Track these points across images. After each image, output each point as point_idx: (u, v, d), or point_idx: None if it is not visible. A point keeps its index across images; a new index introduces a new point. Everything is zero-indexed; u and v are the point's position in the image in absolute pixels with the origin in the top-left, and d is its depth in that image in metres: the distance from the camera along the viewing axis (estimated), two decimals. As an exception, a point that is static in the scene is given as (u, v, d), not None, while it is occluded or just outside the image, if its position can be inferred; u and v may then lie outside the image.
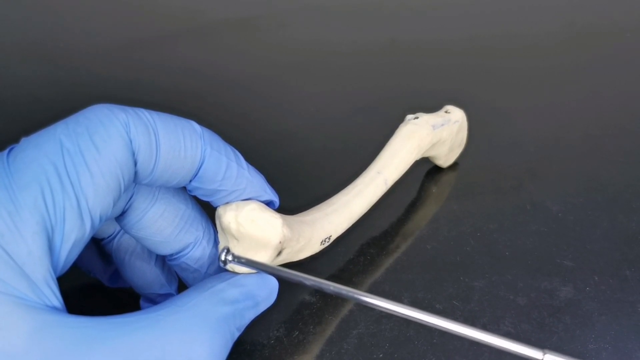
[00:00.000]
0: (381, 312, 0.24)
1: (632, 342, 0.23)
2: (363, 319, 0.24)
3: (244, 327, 0.19)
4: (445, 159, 0.30)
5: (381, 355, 0.23)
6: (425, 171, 0.31)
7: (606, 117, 0.35)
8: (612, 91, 0.37)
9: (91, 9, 0.46)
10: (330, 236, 0.23)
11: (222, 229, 0.20)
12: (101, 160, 0.16)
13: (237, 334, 0.19)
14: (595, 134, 0.34)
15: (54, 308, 0.15)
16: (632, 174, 0.31)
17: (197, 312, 0.17)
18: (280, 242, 0.20)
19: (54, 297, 0.16)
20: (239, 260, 0.20)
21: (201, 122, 0.19)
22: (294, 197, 0.26)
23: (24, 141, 0.17)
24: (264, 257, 0.20)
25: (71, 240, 0.16)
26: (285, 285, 0.25)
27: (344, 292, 0.19)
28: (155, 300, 0.23)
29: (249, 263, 0.19)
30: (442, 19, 0.45)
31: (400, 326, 0.24)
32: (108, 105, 0.17)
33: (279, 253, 0.20)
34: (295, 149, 0.32)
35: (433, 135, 0.28)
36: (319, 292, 0.25)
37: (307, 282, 0.19)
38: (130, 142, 0.17)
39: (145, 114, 0.18)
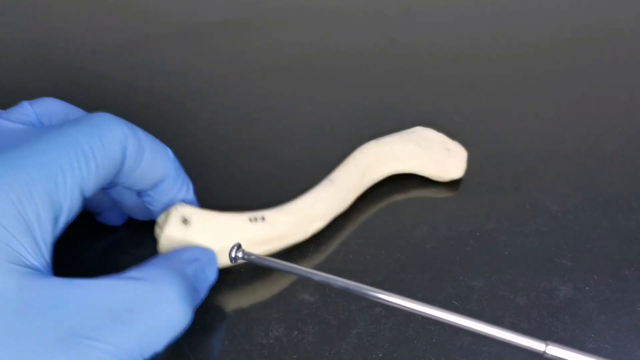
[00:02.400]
0: (381, 312, 0.24)
1: (631, 341, 0.23)
2: (362, 319, 0.24)
3: (203, 290, 0.22)
4: (435, 174, 0.30)
5: (381, 355, 0.23)
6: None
7: (606, 117, 0.35)
8: (612, 91, 0.37)
9: (91, 9, 0.46)
10: (263, 216, 0.25)
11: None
12: (105, 157, 0.21)
13: (198, 296, 0.22)
14: (595, 134, 0.34)
15: (45, 269, 0.18)
16: (632, 174, 0.31)
17: (167, 269, 0.20)
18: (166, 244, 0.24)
19: (48, 260, 0.19)
20: (248, 256, 0.22)
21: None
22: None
23: (44, 131, 0.20)
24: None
25: (70, 215, 0.20)
26: (285, 285, 0.25)
27: (351, 287, 0.20)
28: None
29: (258, 259, 0.21)
30: (440, 23, 0.45)
31: (400, 326, 0.24)
32: (115, 117, 0.22)
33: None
34: (298, 145, 0.32)
35: (378, 148, 0.29)
36: (318, 292, 0.25)
37: (315, 278, 0.21)
38: (125, 150, 0.21)
39: (140, 133, 0.22)
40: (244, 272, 0.26)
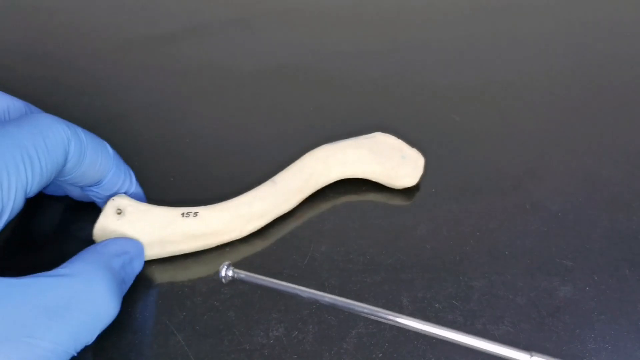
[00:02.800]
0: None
1: (631, 341, 0.23)
2: (362, 319, 0.24)
3: (130, 281, 0.24)
4: (386, 180, 0.29)
5: (381, 355, 0.23)
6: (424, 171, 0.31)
7: (606, 116, 0.35)
8: (612, 91, 0.37)
9: (91, 9, 0.46)
10: (197, 212, 0.26)
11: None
12: (48, 158, 0.21)
13: (125, 287, 0.23)
14: (595, 133, 0.34)
15: None
16: (632, 174, 0.31)
17: (96, 264, 0.21)
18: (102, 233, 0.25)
19: None
20: (238, 275, 0.22)
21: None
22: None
23: None
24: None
25: (11, 216, 0.20)
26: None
27: (339, 303, 0.21)
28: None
29: (248, 277, 0.22)
30: (439, 22, 0.45)
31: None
32: (56, 118, 0.22)
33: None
34: (294, 149, 0.32)
35: (328, 152, 0.29)
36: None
37: (304, 295, 0.21)
38: (68, 151, 0.22)
39: (81, 134, 0.23)
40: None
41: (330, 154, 0.29)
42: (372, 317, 0.20)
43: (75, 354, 0.19)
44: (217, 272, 0.22)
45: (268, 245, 0.27)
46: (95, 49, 0.41)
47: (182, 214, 0.26)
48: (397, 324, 0.20)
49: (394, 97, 0.36)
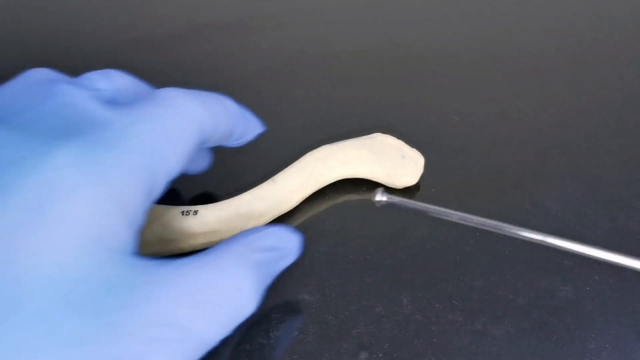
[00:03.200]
0: (381, 311, 0.24)
1: (632, 341, 0.23)
2: (363, 318, 0.24)
3: (274, 275, 0.21)
4: (387, 180, 0.29)
5: (381, 355, 0.23)
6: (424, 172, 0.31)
7: (606, 117, 0.35)
8: (612, 91, 0.37)
9: (91, 9, 0.46)
10: (196, 210, 0.26)
11: None
12: (186, 137, 0.20)
13: (268, 281, 0.21)
14: (596, 133, 0.34)
15: (134, 254, 0.18)
16: (632, 174, 0.31)
17: (238, 257, 0.19)
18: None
19: (136, 246, 0.18)
20: (391, 199, 0.24)
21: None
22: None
23: (129, 111, 0.19)
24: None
25: (156, 199, 0.20)
26: (286, 285, 0.25)
27: (488, 224, 0.23)
28: None
29: (401, 202, 0.24)
30: (438, 22, 0.45)
31: (400, 326, 0.24)
32: (185, 91, 0.21)
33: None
34: (295, 149, 0.32)
35: (328, 152, 0.29)
36: (318, 292, 0.25)
37: (454, 218, 0.23)
38: (202, 125, 0.21)
39: (206, 99, 0.22)
40: (244, 272, 0.26)
41: (330, 154, 0.29)
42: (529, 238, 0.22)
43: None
44: (373, 196, 0.24)
45: (268, 245, 0.27)
46: (95, 49, 0.41)
47: (182, 212, 0.26)
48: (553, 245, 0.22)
49: (394, 97, 0.36)
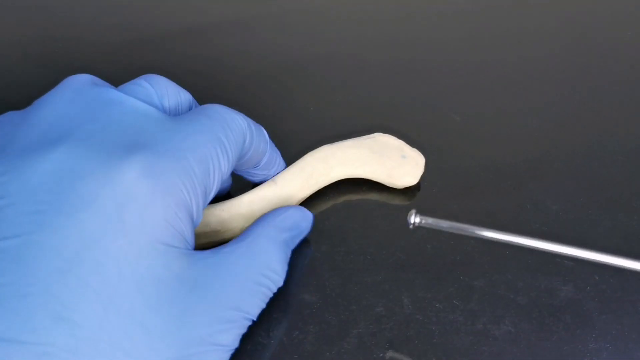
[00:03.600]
0: (382, 311, 0.24)
1: (633, 341, 0.23)
2: (363, 318, 0.24)
3: (293, 248, 0.25)
4: (387, 180, 0.29)
5: (381, 355, 0.23)
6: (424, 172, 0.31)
7: (606, 116, 0.35)
8: (612, 90, 0.37)
9: (91, 8, 0.46)
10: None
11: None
12: (234, 146, 0.23)
13: (289, 256, 0.24)
14: (596, 133, 0.34)
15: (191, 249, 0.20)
16: (632, 173, 0.31)
17: (269, 238, 0.23)
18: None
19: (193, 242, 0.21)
20: (426, 220, 0.24)
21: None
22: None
23: (186, 123, 0.22)
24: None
25: (211, 199, 0.22)
26: (286, 285, 0.25)
27: (534, 245, 0.22)
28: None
29: (435, 223, 0.24)
30: (439, 21, 0.44)
31: (400, 326, 0.24)
32: (229, 108, 0.24)
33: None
34: (295, 149, 0.32)
35: (329, 152, 0.29)
36: (319, 292, 0.25)
37: (490, 236, 0.23)
38: (245, 137, 0.23)
39: (248, 119, 0.24)
40: (244, 272, 0.26)
41: (330, 154, 0.29)
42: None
43: (256, 319, 0.21)
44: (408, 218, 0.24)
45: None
46: (95, 49, 0.41)
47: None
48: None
49: (394, 97, 0.36)
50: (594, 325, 0.24)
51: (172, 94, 0.24)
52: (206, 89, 0.37)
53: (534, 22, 0.44)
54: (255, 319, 0.21)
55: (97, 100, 0.21)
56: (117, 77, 0.38)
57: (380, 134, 0.31)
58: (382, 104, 0.36)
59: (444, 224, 0.23)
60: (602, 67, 0.39)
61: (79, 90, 0.21)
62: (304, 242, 0.27)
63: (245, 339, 0.23)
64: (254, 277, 0.21)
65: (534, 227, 0.28)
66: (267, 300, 0.22)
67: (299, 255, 0.27)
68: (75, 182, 0.18)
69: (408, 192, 0.30)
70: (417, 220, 0.24)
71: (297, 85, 0.38)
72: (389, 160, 0.29)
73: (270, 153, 0.27)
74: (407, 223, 0.24)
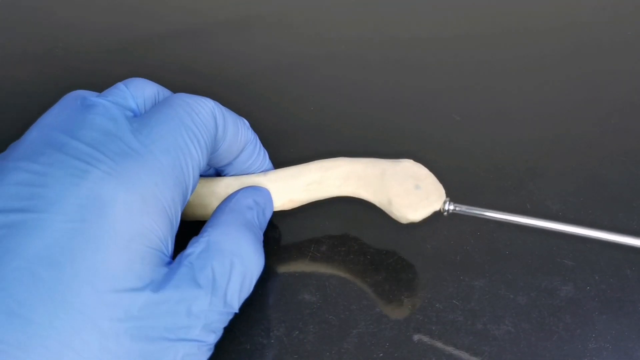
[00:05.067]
0: (381, 311, 0.24)
1: (632, 341, 0.23)
2: (363, 318, 0.24)
3: (263, 229, 0.25)
4: (388, 209, 0.26)
5: (381, 355, 0.23)
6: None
7: (606, 116, 0.35)
8: (612, 90, 0.37)
9: (90, 9, 0.46)
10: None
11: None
12: (205, 131, 0.22)
13: (260, 234, 0.24)
14: (596, 132, 0.34)
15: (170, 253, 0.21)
16: (632, 173, 0.31)
17: (233, 220, 0.23)
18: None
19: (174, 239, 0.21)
20: (460, 208, 0.25)
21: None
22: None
23: (154, 117, 0.21)
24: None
25: (192, 191, 0.22)
26: (286, 285, 0.25)
27: (564, 228, 0.24)
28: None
29: (469, 209, 0.25)
30: (440, 21, 0.45)
31: (400, 326, 0.24)
32: (196, 95, 0.23)
33: None
34: (296, 147, 0.32)
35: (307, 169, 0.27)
36: (319, 292, 0.25)
37: (523, 221, 0.24)
38: (216, 119, 0.23)
39: (219, 105, 0.24)
40: (244, 272, 0.26)
41: (335, 166, 0.26)
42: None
43: (238, 311, 0.21)
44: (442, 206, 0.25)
45: (268, 245, 0.27)
46: (95, 49, 0.41)
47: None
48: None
49: (394, 97, 0.36)
50: (594, 325, 0.24)
51: (150, 94, 0.24)
52: (205, 89, 0.37)
53: (534, 22, 0.44)
54: (237, 312, 0.21)
55: (76, 111, 0.21)
56: (117, 77, 0.38)
57: (411, 161, 0.27)
58: (382, 103, 0.36)
59: (476, 211, 0.24)
60: (603, 67, 0.39)
61: (64, 105, 0.22)
62: (304, 242, 0.27)
63: (245, 338, 0.23)
64: (221, 272, 0.20)
65: (533, 226, 0.28)
66: (247, 290, 0.21)
67: (299, 255, 0.27)
68: (43, 187, 0.18)
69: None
70: (451, 207, 0.25)
71: (296, 85, 0.38)
72: (398, 186, 0.25)
73: (254, 144, 0.26)
74: (441, 210, 0.25)
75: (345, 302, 0.25)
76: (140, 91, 0.23)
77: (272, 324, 0.24)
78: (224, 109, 0.24)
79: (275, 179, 0.27)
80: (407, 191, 0.25)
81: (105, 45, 0.41)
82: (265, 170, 0.27)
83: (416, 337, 0.23)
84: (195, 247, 0.21)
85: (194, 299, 0.19)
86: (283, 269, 0.26)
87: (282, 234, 0.28)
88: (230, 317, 0.21)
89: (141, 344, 0.18)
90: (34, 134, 0.20)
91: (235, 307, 0.21)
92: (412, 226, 0.28)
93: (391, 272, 0.26)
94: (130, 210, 0.19)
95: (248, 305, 0.25)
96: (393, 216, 0.26)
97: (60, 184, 0.18)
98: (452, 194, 0.30)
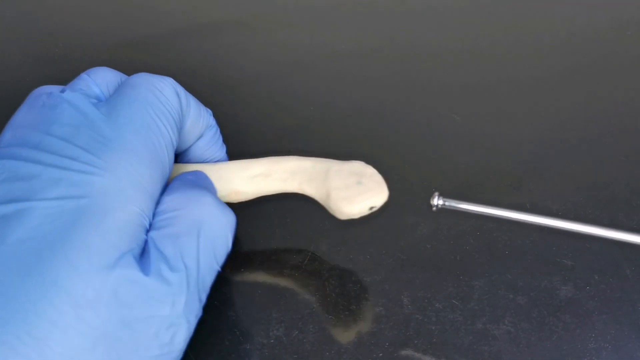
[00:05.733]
0: (381, 311, 0.24)
1: (632, 341, 0.23)
2: (363, 318, 0.24)
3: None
4: (326, 203, 0.25)
5: (381, 355, 0.23)
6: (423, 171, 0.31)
7: (606, 116, 0.35)
8: (612, 91, 0.37)
9: (91, 9, 0.46)
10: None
11: None
12: (170, 106, 0.23)
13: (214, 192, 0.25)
14: (595, 132, 0.34)
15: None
16: (632, 173, 0.31)
17: (194, 188, 0.23)
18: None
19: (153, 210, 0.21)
20: (449, 202, 0.25)
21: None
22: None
23: (119, 100, 0.22)
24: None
25: (171, 169, 0.22)
26: (286, 285, 0.25)
27: (547, 222, 0.24)
28: None
29: (458, 204, 0.24)
30: (440, 22, 0.45)
31: (400, 326, 0.24)
32: (153, 74, 0.24)
33: None
34: (296, 147, 0.32)
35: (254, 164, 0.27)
36: (319, 292, 0.25)
37: (511, 216, 0.24)
38: (178, 94, 0.24)
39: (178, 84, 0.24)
40: (244, 271, 0.26)
41: (280, 162, 0.26)
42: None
43: (220, 269, 0.22)
44: (430, 200, 0.24)
45: (268, 245, 0.27)
46: (95, 49, 0.41)
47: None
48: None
49: (394, 98, 0.36)
50: (593, 325, 0.24)
51: (111, 79, 0.24)
52: (204, 89, 0.37)
53: (534, 22, 0.44)
54: (219, 269, 0.22)
55: (45, 107, 0.22)
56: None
57: (361, 162, 0.26)
58: (382, 103, 0.36)
59: (465, 206, 0.24)
60: (602, 67, 0.39)
61: (30, 103, 0.22)
62: (304, 242, 0.27)
63: (245, 338, 0.23)
64: (189, 247, 0.21)
65: (533, 226, 0.28)
66: (224, 250, 0.22)
67: (298, 254, 0.27)
68: (25, 181, 0.19)
69: (407, 192, 0.30)
70: (440, 202, 0.24)
71: (296, 84, 0.38)
72: (339, 181, 0.25)
73: (214, 131, 0.27)
74: (430, 205, 0.24)
75: (345, 302, 0.25)
76: (102, 79, 0.24)
77: (272, 323, 0.24)
78: (185, 91, 0.25)
79: (221, 168, 0.26)
80: (348, 186, 0.25)
81: (105, 45, 0.41)
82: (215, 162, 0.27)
83: (416, 337, 0.23)
84: (159, 222, 0.21)
85: (169, 284, 0.19)
86: (282, 268, 0.26)
87: (281, 233, 0.28)
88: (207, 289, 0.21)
89: (118, 314, 0.18)
90: (7, 136, 0.21)
91: (208, 279, 0.21)
92: (412, 226, 0.28)
93: (391, 272, 0.26)
94: (108, 194, 0.19)
95: (248, 305, 0.25)
96: (330, 210, 0.25)
97: (40, 178, 0.19)
98: (452, 194, 0.30)
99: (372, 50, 0.41)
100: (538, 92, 0.37)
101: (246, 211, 0.28)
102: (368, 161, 0.26)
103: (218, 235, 0.22)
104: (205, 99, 0.37)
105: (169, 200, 0.22)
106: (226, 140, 0.29)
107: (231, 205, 0.27)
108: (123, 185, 0.20)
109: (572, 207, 0.29)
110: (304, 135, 0.33)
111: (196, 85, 0.37)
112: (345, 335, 0.24)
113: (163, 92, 0.23)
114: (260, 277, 0.26)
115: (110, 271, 0.18)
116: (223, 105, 0.36)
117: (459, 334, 0.23)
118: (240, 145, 0.33)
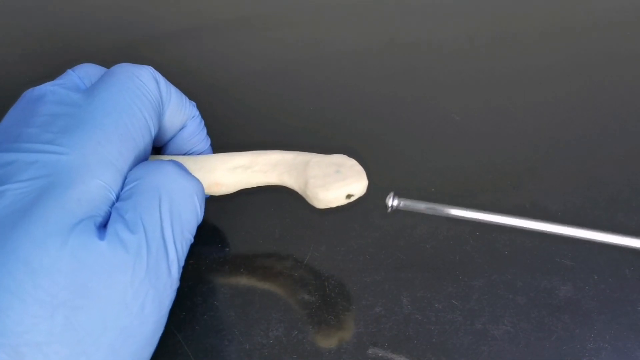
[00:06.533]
0: (381, 311, 0.24)
1: (631, 341, 0.23)
2: (363, 318, 0.24)
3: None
4: (304, 192, 0.25)
5: (381, 355, 0.23)
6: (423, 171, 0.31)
7: (606, 116, 0.35)
8: (612, 90, 0.37)
9: (91, 8, 0.46)
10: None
11: None
12: (147, 92, 0.23)
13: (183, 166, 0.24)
14: (595, 132, 0.34)
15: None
16: (631, 173, 0.31)
17: (159, 162, 0.23)
18: None
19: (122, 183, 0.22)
20: (404, 203, 0.24)
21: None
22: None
23: (97, 87, 0.23)
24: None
25: (147, 151, 0.23)
26: (285, 285, 0.25)
27: (501, 220, 0.24)
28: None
29: (413, 204, 0.24)
30: (440, 20, 0.44)
31: (400, 326, 0.24)
32: (135, 64, 0.24)
33: None
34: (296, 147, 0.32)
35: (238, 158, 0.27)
36: (318, 292, 0.25)
37: (467, 215, 0.24)
38: (158, 82, 0.24)
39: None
40: (243, 271, 0.26)
41: (259, 155, 0.26)
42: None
43: (192, 239, 0.22)
44: (385, 201, 0.24)
45: (268, 245, 0.27)
46: (95, 49, 0.41)
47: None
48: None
49: (394, 97, 0.36)
50: (592, 325, 0.24)
51: (95, 73, 0.25)
52: (204, 89, 0.37)
53: (534, 22, 0.44)
54: (192, 241, 0.22)
55: (29, 103, 0.23)
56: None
57: (344, 155, 0.26)
58: (382, 103, 0.36)
59: (421, 206, 0.24)
60: (602, 67, 0.39)
61: (18, 105, 0.23)
62: (304, 242, 0.27)
63: (245, 338, 0.23)
64: (150, 221, 0.21)
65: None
66: (195, 217, 0.22)
67: (298, 254, 0.27)
68: (3, 168, 0.20)
69: (408, 192, 0.30)
70: (395, 203, 0.24)
71: (296, 84, 0.38)
72: (318, 170, 0.25)
73: (197, 122, 0.27)
74: (385, 207, 0.24)
75: (344, 302, 0.25)
76: (85, 72, 0.25)
77: (271, 324, 0.24)
78: (166, 80, 0.25)
79: (202, 159, 0.26)
80: (326, 175, 0.25)
81: (105, 45, 0.41)
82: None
83: (415, 337, 0.23)
84: (124, 194, 0.21)
85: (126, 248, 0.19)
86: (282, 268, 0.26)
87: (281, 233, 0.28)
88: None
89: (77, 280, 0.18)
90: None
91: (179, 247, 0.21)
92: (412, 226, 0.28)
93: (391, 272, 0.26)
94: (72, 170, 0.20)
95: (248, 305, 0.25)
96: (308, 199, 0.25)
97: (16, 164, 0.20)
98: (452, 194, 0.30)
99: (371, 51, 0.41)
100: (538, 92, 0.37)
101: (246, 211, 0.28)
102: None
103: (183, 200, 0.21)
104: (204, 99, 0.37)
105: (132, 173, 0.22)
106: (219, 136, 0.30)
107: (232, 206, 0.27)
108: (88, 161, 0.20)
109: (572, 206, 0.29)
110: (304, 134, 0.33)
111: (196, 85, 0.37)
112: (344, 335, 0.24)
113: (140, 78, 0.23)
114: (260, 277, 0.26)
115: (65, 237, 0.18)
116: (223, 104, 0.36)
117: (458, 334, 0.24)
118: (244, 141, 0.33)
